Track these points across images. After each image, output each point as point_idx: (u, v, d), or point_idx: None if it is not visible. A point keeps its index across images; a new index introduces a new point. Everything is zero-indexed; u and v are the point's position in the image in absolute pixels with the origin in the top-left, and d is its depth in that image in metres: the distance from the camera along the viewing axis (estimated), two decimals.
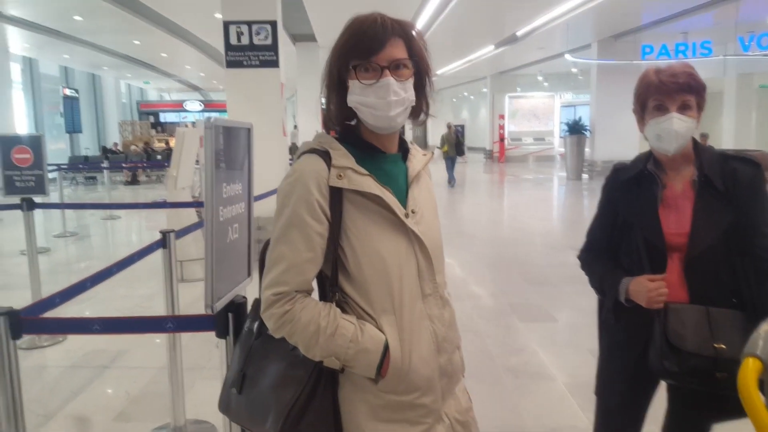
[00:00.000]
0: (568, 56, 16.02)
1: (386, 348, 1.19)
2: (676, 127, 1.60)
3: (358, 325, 1.19)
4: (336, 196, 1.20)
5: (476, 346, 4.04)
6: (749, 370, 1.03)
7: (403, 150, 1.35)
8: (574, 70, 19.74)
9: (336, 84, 1.26)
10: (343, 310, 1.23)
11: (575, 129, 16.21)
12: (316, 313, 1.18)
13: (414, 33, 1.27)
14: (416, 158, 1.35)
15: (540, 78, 23.28)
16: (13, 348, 1.58)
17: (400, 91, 1.21)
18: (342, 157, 1.22)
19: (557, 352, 3.99)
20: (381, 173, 1.25)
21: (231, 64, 6.63)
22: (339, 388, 1.23)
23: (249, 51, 6.60)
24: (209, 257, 1.50)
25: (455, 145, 15.07)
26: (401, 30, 1.24)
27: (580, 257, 1.92)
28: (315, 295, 1.25)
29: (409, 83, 1.24)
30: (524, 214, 10.39)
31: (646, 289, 1.61)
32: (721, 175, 1.64)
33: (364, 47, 1.20)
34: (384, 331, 1.20)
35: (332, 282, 1.23)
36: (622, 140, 14.00)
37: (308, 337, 1.17)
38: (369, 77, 1.20)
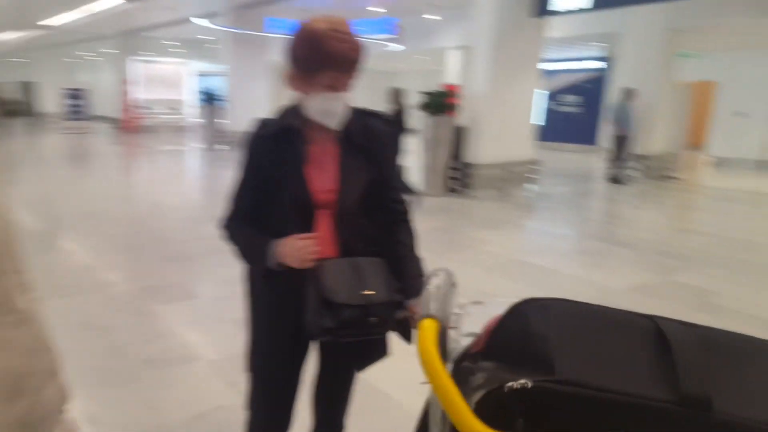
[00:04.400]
0: (194, 20, 15.50)
1: None
2: (344, 106, 1.61)
3: None
4: None
5: (104, 344, 3.53)
6: (427, 331, 1.00)
7: None
8: (206, 37, 19.31)
9: None
10: None
11: (210, 98, 15.97)
12: None
13: None
14: None
15: (171, 43, 22.17)
16: None
17: None
18: None
19: (200, 330, 3.79)
20: None
21: None
22: None
23: None
24: None
25: None
26: None
27: (225, 226, 1.73)
28: None
29: None
30: (160, 188, 9.77)
31: (296, 248, 1.56)
32: (362, 131, 1.67)
33: None
34: None
35: None
36: (257, 110, 14.27)
37: None
38: None
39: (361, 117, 1.70)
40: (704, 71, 15.65)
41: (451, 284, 1.18)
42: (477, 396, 1.00)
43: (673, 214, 9.22)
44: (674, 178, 12.22)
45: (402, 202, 1.78)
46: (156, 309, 4.12)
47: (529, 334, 1.03)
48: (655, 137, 11.94)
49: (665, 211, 9.36)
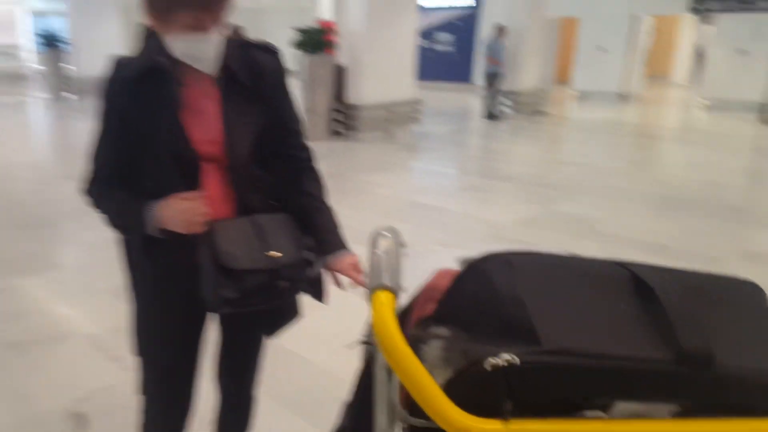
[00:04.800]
0: None
1: None
2: (216, 48, 1.32)
3: None
4: None
5: None
6: (384, 304, 0.86)
7: None
8: None
9: None
10: None
11: (51, 42, 14.20)
12: None
13: None
14: None
15: None
16: None
17: None
18: None
19: (71, 304, 3.40)
20: None
21: None
22: None
23: None
24: None
25: None
26: None
27: (88, 191, 1.43)
28: None
29: None
30: (2, 146, 8.61)
31: (180, 210, 1.31)
32: (247, 68, 1.39)
33: None
34: None
35: None
36: (108, 53, 12.90)
37: None
38: None
39: (244, 51, 1.42)
40: (568, 8, 16.31)
41: (399, 245, 1.00)
42: (444, 375, 0.84)
43: (546, 147, 9.66)
44: (544, 112, 12.81)
45: (305, 148, 1.55)
46: (14, 284, 3.64)
47: (496, 296, 0.88)
48: (525, 73, 12.34)
49: (539, 145, 9.79)
